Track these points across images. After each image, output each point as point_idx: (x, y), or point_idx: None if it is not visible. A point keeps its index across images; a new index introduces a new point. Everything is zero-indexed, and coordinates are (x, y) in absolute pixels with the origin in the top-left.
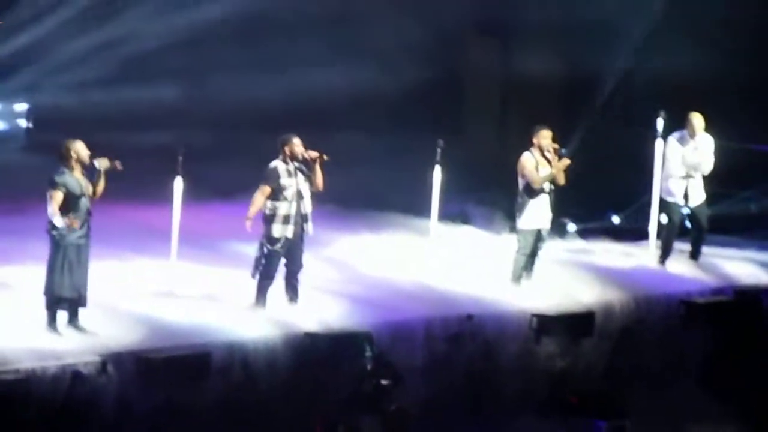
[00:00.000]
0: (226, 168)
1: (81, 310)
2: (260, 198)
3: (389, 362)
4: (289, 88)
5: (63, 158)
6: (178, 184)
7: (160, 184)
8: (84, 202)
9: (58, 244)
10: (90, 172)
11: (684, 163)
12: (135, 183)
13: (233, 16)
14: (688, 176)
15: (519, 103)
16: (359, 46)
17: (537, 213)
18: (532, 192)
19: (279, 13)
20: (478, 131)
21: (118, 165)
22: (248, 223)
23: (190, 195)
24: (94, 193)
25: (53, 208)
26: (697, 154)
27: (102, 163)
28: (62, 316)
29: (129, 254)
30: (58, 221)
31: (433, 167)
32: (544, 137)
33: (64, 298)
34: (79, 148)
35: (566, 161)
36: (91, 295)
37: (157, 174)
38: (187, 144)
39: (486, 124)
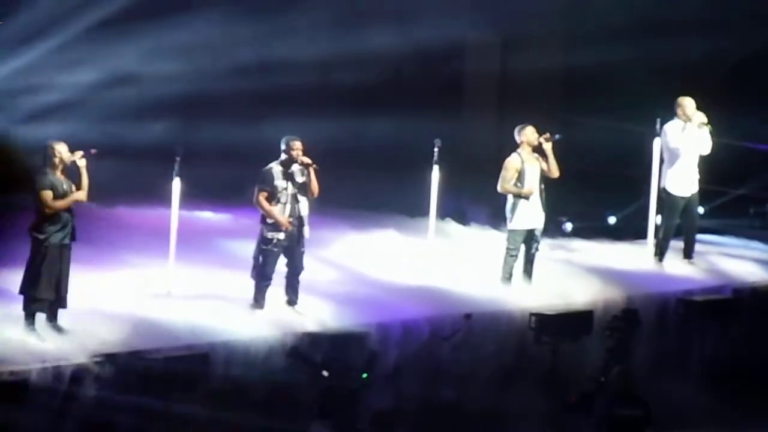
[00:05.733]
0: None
1: (63, 312)
2: (264, 202)
3: (379, 361)
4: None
5: (46, 159)
6: (176, 185)
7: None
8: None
9: (39, 245)
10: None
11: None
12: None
13: None
14: (691, 161)
15: (517, 103)
16: (359, 45)
17: (527, 214)
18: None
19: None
20: (476, 130)
21: (92, 151)
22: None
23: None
24: (78, 190)
25: (47, 209)
26: (694, 136)
27: (78, 159)
28: (40, 316)
29: (127, 256)
30: (46, 226)
31: (431, 167)
32: (531, 133)
33: (41, 299)
34: (62, 150)
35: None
36: (88, 296)
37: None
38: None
39: (484, 123)
